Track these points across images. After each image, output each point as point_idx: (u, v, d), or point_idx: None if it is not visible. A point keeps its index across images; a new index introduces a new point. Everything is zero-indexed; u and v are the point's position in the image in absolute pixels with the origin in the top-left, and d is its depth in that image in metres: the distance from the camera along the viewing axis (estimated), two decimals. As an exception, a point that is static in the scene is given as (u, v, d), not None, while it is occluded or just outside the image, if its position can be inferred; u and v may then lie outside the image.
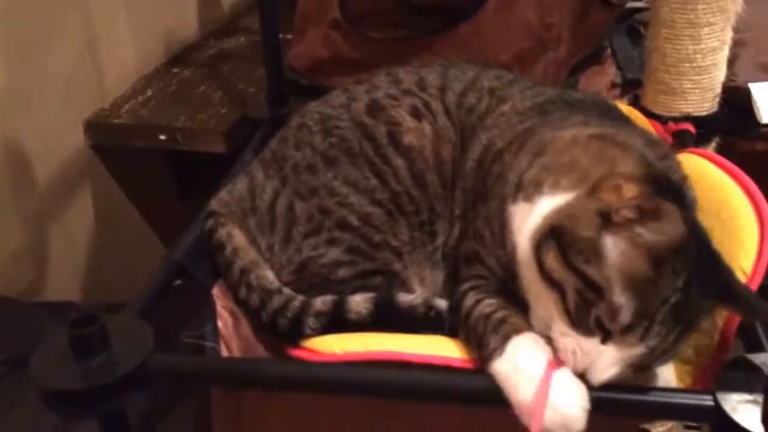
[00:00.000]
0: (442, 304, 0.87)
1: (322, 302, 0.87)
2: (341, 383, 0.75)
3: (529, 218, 0.76)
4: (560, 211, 0.73)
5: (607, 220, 0.70)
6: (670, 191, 0.70)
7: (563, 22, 1.24)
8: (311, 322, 0.86)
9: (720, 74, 1.16)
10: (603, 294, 0.69)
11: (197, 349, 0.86)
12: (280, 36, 1.31)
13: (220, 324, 0.90)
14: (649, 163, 0.76)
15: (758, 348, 0.77)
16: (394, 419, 0.81)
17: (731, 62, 1.18)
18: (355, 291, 0.89)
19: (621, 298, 0.68)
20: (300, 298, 0.89)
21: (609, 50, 1.37)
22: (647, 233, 0.68)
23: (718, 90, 1.16)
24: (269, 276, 0.93)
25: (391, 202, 0.93)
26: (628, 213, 0.69)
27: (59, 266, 1.48)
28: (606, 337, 0.70)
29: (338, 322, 0.86)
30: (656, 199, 0.68)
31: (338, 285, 0.91)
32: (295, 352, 0.85)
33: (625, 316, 0.68)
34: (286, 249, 0.95)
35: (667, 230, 0.67)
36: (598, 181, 0.73)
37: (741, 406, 0.66)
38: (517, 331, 0.75)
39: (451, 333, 0.83)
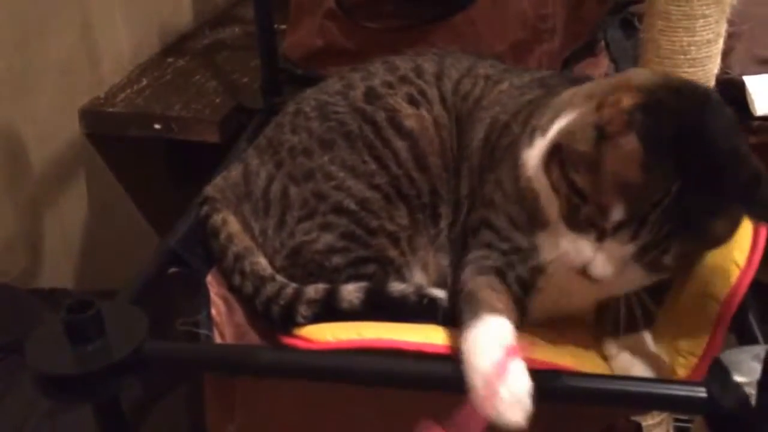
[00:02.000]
0: (435, 292, 0.87)
1: (314, 290, 0.88)
2: (334, 371, 0.76)
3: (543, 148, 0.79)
4: (563, 129, 0.77)
5: (602, 133, 0.73)
6: (681, 97, 0.73)
7: (558, 13, 1.24)
8: (303, 309, 0.86)
9: (714, 67, 1.15)
10: (587, 199, 0.74)
11: (191, 336, 0.86)
12: (275, 26, 1.31)
13: (213, 312, 0.90)
14: (667, 75, 0.78)
15: (752, 340, 0.77)
16: (389, 405, 0.81)
17: (725, 55, 1.16)
18: (348, 279, 0.90)
19: (611, 199, 0.72)
20: (293, 285, 0.89)
21: (603, 42, 1.36)
22: (633, 141, 0.71)
23: (713, 82, 1.15)
24: (262, 263, 0.93)
25: (390, 186, 0.93)
26: (618, 124, 0.72)
27: (53, 254, 1.47)
28: (600, 235, 0.74)
29: (330, 310, 0.86)
30: (645, 106, 0.71)
31: (331, 272, 0.91)
32: (289, 340, 0.85)
33: (616, 215, 0.72)
34: (279, 233, 0.94)
35: (652, 137, 0.70)
36: (604, 96, 0.75)
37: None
38: (492, 311, 0.76)
39: (446, 321, 0.83)
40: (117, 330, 0.74)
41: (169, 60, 1.67)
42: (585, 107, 0.76)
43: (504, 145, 0.89)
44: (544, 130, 0.80)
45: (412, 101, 0.97)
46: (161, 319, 0.81)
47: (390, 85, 0.99)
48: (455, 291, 0.84)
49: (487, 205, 0.88)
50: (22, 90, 1.38)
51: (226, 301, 0.92)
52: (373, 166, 0.93)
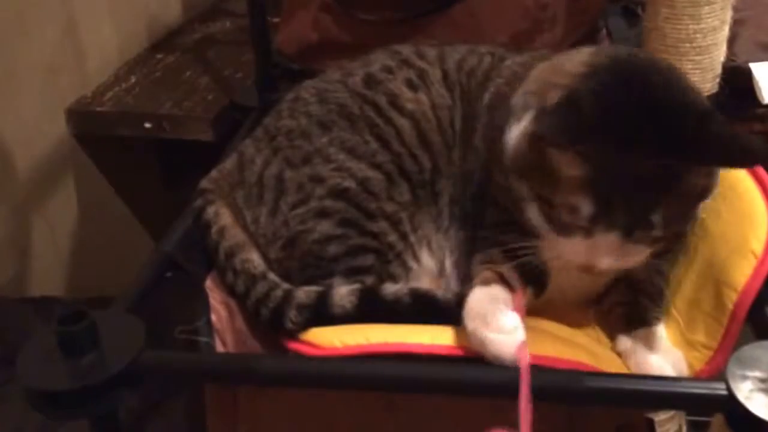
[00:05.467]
0: (431, 291, 0.86)
1: (305, 294, 0.85)
2: (341, 378, 0.73)
3: None
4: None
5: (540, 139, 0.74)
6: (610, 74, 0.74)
7: (559, 2, 1.23)
8: (293, 315, 0.84)
9: (720, 54, 1.15)
10: (554, 205, 0.75)
11: (190, 344, 0.85)
12: (268, 19, 1.29)
13: (213, 318, 0.88)
14: (602, 53, 0.78)
15: (768, 334, 0.76)
16: (396, 411, 0.79)
17: (731, 42, 1.16)
18: (346, 272, 0.88)
19: (574, 199, 0.73)
20: (283, 287, 0.87)
21: (604, 31, 1.36)
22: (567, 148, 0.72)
23: (719, 70, 1.15)
24: (254, 259, 0.91)
25: (392, 164, 0.92)
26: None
27: (42, 260, 1.46)
28: (586, 233, 0.74)
29: (322, 316, 0.84)
30: (568, 102, 0.72)
31: (329, 264, 0.89)
32: (293, 346, 0.83)
33: (585, 211, 0.72)
34: (273, 221, 0.92)
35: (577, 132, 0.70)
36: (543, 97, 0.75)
37: (754, 395, 0.65)
38: (484, 283, 0.79)
39: (444, 320, 0.81)
40: (113, 341, 0.72)
41: (158, 56, 1.64)
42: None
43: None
44: (517, 113, 0.80)
45: (410, 86, 0.96)
46: (159, 326, 0.78)
47: (389, 70, 0.98)
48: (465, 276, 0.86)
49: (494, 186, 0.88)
50: (4, 90, 1.36)
51: (226, 306, 0.90)
52: (374, 145, 0.92)
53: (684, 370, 0.80)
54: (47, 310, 1.24)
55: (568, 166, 0.72)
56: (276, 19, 1.34)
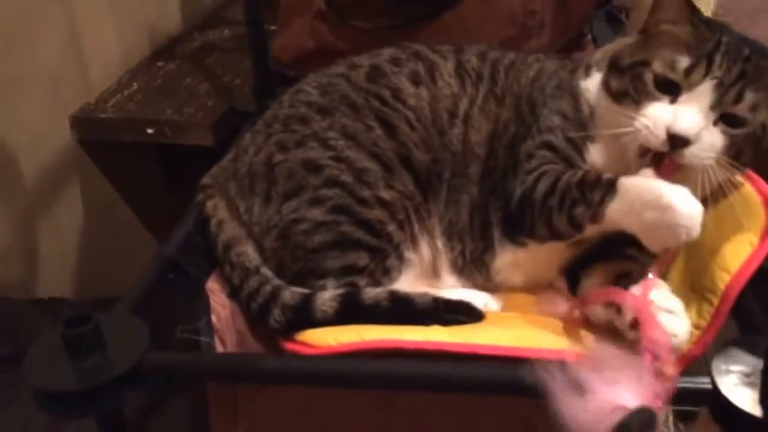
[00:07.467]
0: (411, 294, 0.87)
1: (290, 295, 0.87)
2: (337, 376, 0.75)
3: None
4: (610, 50, 0.91)
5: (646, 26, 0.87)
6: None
7: (546, 9, 1.24)
8: (276, 313, 0.86)
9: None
10: (651, 62, 0.84)
11: (191, 344, 0.86)
12: (265, 27, 1.31)
13: (214, 318, 0.89)
14: None
15: (754, 329, 0.77)
16: (392, 409, 0.81)
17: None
18: (338, 274, 0.89)
19: (673, 53, 0.82)
20: (273, 283, 0.88)
21: (589, 36, 1.37)
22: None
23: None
24: (249, 253, 0.92)
25: (395, 153, 0.93)
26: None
27: (49, 263, 1.47)
28: (674, 95, 0.82)
29: (303, 318, 0.85)
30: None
31: (314, 255, 0.90)
32: (289, 346, 0.85)
33: (684, 62, 0.82)
34: (266, 210, 0.93)
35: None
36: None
37: (738, 389, 0.67)
38: (618, 177, 0.82)
39: (422, 321, 0.83)
40: (117, 342, 0.74)
41: (159, 64, 1.66)
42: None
43: (554, 85, 0.97)
44: (599, 65, 0.92)
45: (414, 80, 0.97)
46: (161, 326, 0.80)
47: (397, 62, 0.99)
48: (522, 201, 0.89)
49: (546, 131, 0.93)
50: (10, 98, 1.38)
51: (226, 307, 0.91)
52: (379, 131, 0.93)
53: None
54: (54, 311, 1.26)
55: (675, 27, 0.84)
56: (273, 27, 1.35)
